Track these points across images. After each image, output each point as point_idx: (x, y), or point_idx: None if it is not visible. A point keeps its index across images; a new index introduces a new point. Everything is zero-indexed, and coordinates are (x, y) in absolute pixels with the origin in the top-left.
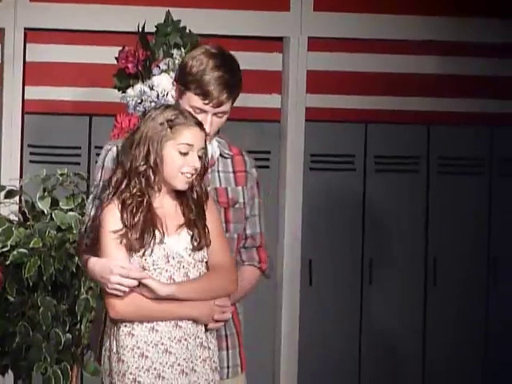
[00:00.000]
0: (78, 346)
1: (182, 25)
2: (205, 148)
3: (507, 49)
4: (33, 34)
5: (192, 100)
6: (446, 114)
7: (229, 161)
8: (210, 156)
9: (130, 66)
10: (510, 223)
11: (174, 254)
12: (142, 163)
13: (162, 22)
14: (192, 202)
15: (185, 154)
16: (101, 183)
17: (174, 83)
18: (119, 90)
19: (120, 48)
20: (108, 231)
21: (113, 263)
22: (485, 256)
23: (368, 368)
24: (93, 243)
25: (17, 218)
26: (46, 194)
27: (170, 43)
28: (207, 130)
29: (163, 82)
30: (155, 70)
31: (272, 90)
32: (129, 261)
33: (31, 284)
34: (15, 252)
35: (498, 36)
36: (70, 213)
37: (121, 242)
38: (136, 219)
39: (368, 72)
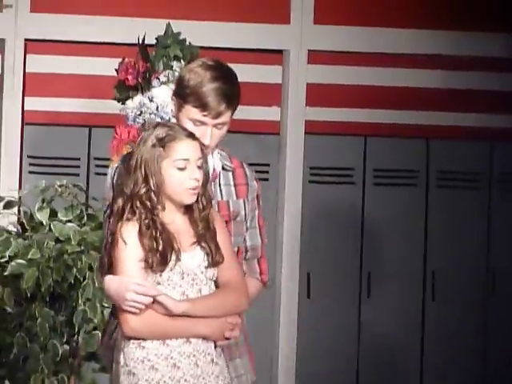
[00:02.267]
0: (76, 357)
1: (182, 37)
2: (202, 157)
3: (508, 63)
4: (33, 45)
5: (191, 113)
6: (445, 128)
7: (230, 173)
8: (212, 169)
9: (129, 77)
10: (508, 237)
11: (188, 271)
12: (142, 186)
13: (163, 34)
14: (198, 213)
15: (183, 169)
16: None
17: (173, 97)
18: (119, 102)
19: (120, 60)
20: (122, 249)
21: (129, 280)
22: (483, 270)
23: (366, 381)
24: (110, 262)
25: (15, 229)
26: (44, 204)
27: (169, 55)
28: (207, 142)
29: (163, 94)
30: (155, 82)
31: (272, 102)
32: (144, 277)
33: (29, 295)
34: (13, 263)
35: (499, 50)
36: (69, 224)
37: (138, 261)
38: (156, 242)
39: (368, 85)
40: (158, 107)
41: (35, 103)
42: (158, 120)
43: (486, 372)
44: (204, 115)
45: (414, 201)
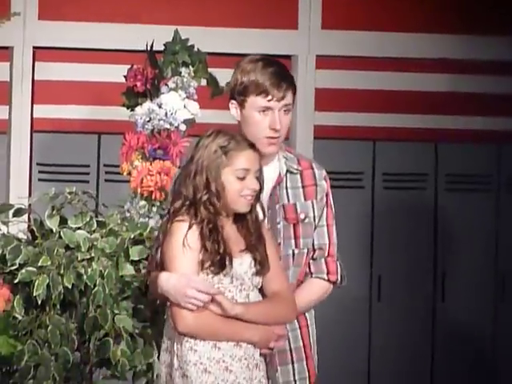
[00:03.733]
0: (87, 364)
1: (190, 43)
2: (260, 169)
3: None
4: (41, 53)
5: (255, 103)
6: (453, 131)
7: (298, 176)
8: (277, 173)
9: (138, 84)
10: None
11: (237, 276)
12: (204, 192)
13: (171, 40)
14: (252, 224)
15: (242, 179)
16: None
17: (232, 102)
18: (128, 108)
19: (129, 66)
20: (180, 245)
21: (189, 277)
22: (492, 272)
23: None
24: (158, 260)
25: (25, 237)
26: (54, 212)
27: (178, 61)
28: (278, 126)
29: (172, 100)
30: (164, 89)
31: None
32: (198, 276)
33: (40, 302)
34: (23, 270)
35: (506, 54)
36: (79, 231)
37: (194, 262)
38: (218, 245)
39: (376, 90)
40: (166, 113)
41: (44, 110)
42: (167, 126)
43: (495, 370)
44: (269, 100)
45: (423, 203)
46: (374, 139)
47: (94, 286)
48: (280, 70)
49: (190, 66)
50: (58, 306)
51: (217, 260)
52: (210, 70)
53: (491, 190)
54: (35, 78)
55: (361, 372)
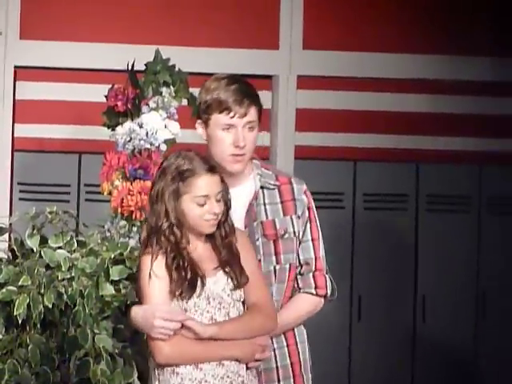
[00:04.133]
0: (67, 383)
1: (171, 63)
2: (222, 190)
3: (495, 87)
4: (22, 72)
5: (218, 120)
6: (434, 152)
7: (275, 191)
8: (253, 190)
9: (119, 103)
10: (497, 260)
11: (214, 295)
12: (164, 221)
13: (152, 60)
14: (221, 241)
15: (203, 205)
16: None
17: (198, 122)
18: (108, 128)
19: (110, 86)
20: (147, 278)
21: (155, 307)
22: (473, 293)
23: None
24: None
25: (6, 256)
26: (35, 231)
27: (159, 81)
28: (242, 144)
29: (152, 120)
30: (144, 108)
31: (261, 127)
32: (170, 304)
33: (20, 321)
34: (4, 290)
35: (485, 74)
36: (59, 250)
37: (163, 291)
38: (184, 272)
39: (357, 110)
40: (147, 133)
41: (25, 130)
42: (148, 146)
43: None
44: (231, 117)
45: (403, 224)
46: (355, 160)
47: (75, 305)
48: (243, 87)
49: (171, 86)
50: (39, 326)
51: (185, 286)
52: (191, 89)
53: (472, 210)
54: (16, 98)
55: None
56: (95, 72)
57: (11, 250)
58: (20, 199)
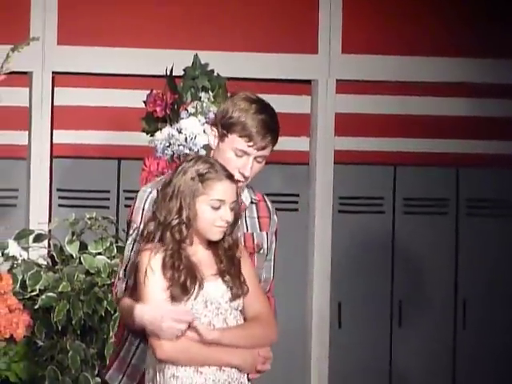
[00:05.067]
0: None
1: (209, 68)
2: (236, 201)
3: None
4: (60, 78)
5: (236, 142)
6: (474, 155)
7: (254, 206)
8: (241, 202)
9: (158, 109)
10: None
11: (211, 300)
12: (175, 217)
13: (190, 65)
14: (223, 252)
15: (217, 209)
16: (141, 226)
17: (213, 128)
18: (147, 134)
19: (148, 91)
20: (148, 276)
21: (164, 308)
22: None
23: None
24: (133, 287)
25: (45, 262)
26: (74, 237)
27: (197, 86)
28: (247, 173)
29: (191, 126)
30: (183, 114)
31: (301, 132)
32: (169, 302)
33: (60, 328)
34: (44, 296)
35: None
36: (99, 256)
37: (164, 290)
38: (178, 274)
39: (396, 114)
40: (186, 138)
41: (63, 136)
42: (187, 151)
43: None
44: (249, 146)
45: (444, 229)
46: (395, 164)
47: (115, 311)
48: (269, 120)
49: (210, 91)
50: (79, 332)
51: (177, 288)
52: (229, 95)
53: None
54: (54, 104)
55: None
56: (133, 77)
57: (51, 257)
58: (59, 205)
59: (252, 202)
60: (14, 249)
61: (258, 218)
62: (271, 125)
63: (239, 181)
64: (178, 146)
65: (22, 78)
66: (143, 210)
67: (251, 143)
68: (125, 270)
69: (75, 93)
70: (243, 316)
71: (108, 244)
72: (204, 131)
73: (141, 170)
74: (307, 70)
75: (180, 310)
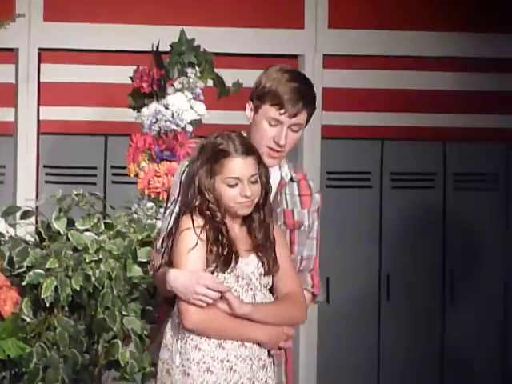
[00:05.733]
0: (96, 366)
1: (196, 43)
2: (257, 173)
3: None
4: (47, 54)
5: (268, 111)
6: (461, 130)
7: (295, 184)
8: (280, 178)
9: (144, 85)
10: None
11: (243, 275)
12: (197, 198)
13: (177, 40)
14: (258, 223)
15: (234, 186)
16: (179, 198)
17: (249, 102)
18: (134, 110)
19: (135, 67)
20: (187, 245)
21: (200, 274)
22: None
23: None
24: (169, 259)
25: (33, 239)
26: (61, 214)
27: (184, 62)
28: (282, 142)
29: (178, 101)
30: (170, 89)
31: None
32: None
33: (48, 304)
34: (31, 273)
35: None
36: (86, 233)
37: (199, 259)
38: (221, 248)
39: (383, 89)
40: (173, 114)
41: (50, 113)
42: (174, 127)
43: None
44: (281, 113)
45: (431, 203)
46: (382, 138)
47: (102, 287)
48: (302, 88)
49: (197, 67)
50: (67, 308)
51: (220, 261)
52: (216, 70)
53: (499, 188)
54: (41, 80)
55: None
56: (120, 53)
57: (38, 233)
58: (46, 182)
59: (292, 180)
60: (1, 226)
61: (300, 195)
62: (304, 91)
63: (277, 151)
64: (165, 121)
65: (8, 54)
66: (180, 183)
67: (282, 111)
68: (162, 241)
69: (61, 69)
70: (272, 295)
71: (95, 220)
72: (191, 107)
73: (128, 146)
74: (294, 44)
75: (215, 279)
